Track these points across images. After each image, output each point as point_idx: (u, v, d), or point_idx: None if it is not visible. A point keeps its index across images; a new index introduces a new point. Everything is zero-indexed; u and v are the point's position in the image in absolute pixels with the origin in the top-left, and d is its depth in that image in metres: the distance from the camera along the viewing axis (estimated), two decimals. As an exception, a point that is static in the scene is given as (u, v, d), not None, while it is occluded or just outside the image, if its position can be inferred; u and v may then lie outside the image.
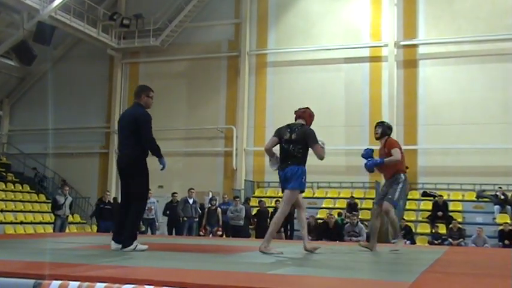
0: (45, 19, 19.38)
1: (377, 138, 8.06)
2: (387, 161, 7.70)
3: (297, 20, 21.50)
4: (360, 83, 20.41)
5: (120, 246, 6.54)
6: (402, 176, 7.74)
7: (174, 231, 16.54)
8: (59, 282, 3.66)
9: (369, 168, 7.97)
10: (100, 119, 23.90)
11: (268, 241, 6.58)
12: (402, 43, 20.05)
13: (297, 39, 21.30)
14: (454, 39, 19.51)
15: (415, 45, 20.10)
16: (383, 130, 7.99)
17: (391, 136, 8.13)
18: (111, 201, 17.59)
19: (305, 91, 20.44)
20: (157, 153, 7.21)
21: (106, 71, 24.01)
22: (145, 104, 7.14)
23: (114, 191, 22.04)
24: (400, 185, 7.64)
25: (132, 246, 6.48)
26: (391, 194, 7.61)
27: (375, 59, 20.35)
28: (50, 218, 18.77)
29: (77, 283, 3.63)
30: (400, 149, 7.85)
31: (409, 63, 20.00)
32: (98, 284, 3.59)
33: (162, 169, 7.22)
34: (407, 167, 8.07)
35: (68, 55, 24.59)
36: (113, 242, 6.66)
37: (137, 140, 6.87)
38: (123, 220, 6.70)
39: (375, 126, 8.10)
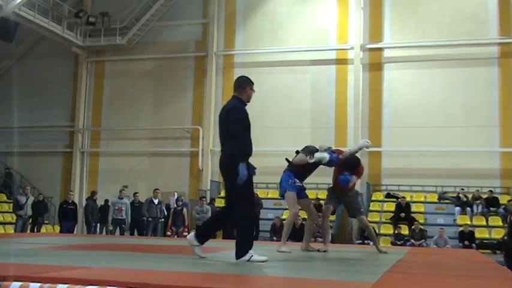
0: (8, 15, 18.98)
1: None
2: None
3: (264, 22, 21.57)
4: (326, 85, 20.59)
5: (197, 243, 5.80)
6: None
7: (136, 232, 16.41)
8: (20, 283, 3.60)
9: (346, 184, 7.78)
10: (64, 117, 23.51)
11: (284, 241, 7.51)
12: (368, 46, 20.31)
13: (265, 40, 21.37)
14: (418, 44, 19.88)
15: (380, 49, 20.39)
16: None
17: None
18: (75, 201, 17.38)
19: (272, 92, 20.53)
20: (237, 157, 5.65)
21: (71, 69, 23.65)
22: (247, 97, 5.97)
23: (77, 191, 21.77)
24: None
25: (246, 257, 5.52)
26: (361, 205, 8.08)
27: (341, 61, 20.56)
28: (11, 218, 18.40)
29: (38, 284, 3.57)
30: None
31: (375, 66, 20.27)
32: (60, 286, 3.54)
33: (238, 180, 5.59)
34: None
35: (32, 52, 24.12)
36: (191, 236, 5.92)
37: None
38: (214, 221, 6.20)
39: None
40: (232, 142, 5.65)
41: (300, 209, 7.96)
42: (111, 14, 22.58)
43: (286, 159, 7.81)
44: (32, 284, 3.58)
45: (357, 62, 20.04)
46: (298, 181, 7.52)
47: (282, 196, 7.66)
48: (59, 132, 23.48)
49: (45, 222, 21.00)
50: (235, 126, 5.70)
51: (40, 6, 20.32)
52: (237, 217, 5.69)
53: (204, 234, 5.92)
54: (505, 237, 13.40)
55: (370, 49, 20.34)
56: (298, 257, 6.98)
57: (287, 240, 7.71)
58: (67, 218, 16.45)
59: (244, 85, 5.97)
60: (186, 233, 16.89)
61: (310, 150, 7.51)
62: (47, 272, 4.04)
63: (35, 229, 16.41)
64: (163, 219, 16.66)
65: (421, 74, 19.87)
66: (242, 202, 5.65)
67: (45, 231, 19.49)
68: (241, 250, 5.56)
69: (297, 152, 7.67)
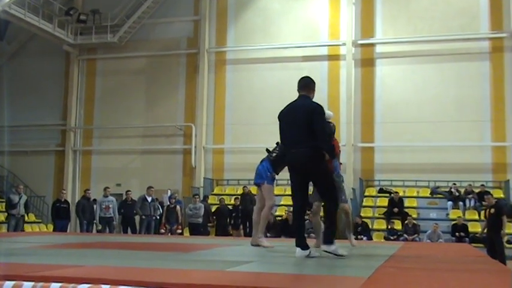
0: (-2, 13, 18.89)
1: None
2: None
3: (256, 18, 21.54)
4: (319, 81, 20.25)
5: (307, 252, 5.80)
6: None
7: (128, 230, 16.38)
8: (13, 282, 3.59)
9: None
10: (56, 116, 23.40)
11: (261, 234, 7.52)
12: (360, 42, 20.34)
13: (256, 37, 21.35)
14: (410, 39, 19.91)
15: (372, 44, 20.42)
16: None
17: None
18: (68, 200, 17.32)
19: (264, 89, 20.54)
20: (332, 153, 6.01)
21: (62, 67, 23.53)
22: (313, 96, 6.19)
23: (70, 190, 21.70)
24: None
25: (333, 247, 5.78)
26: (343, 194, 7.74)
27: (333, 57, 20.58)
28: (3, 217, 18.31)
29: (31, 283, 3.56)
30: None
31: (367, 62, 20.30)
32: (53, 284, 3.53)
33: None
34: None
35: (23, 50, 23.96)
36: (298, 249, 5.86)
37: (314, 135, 5.80)
38: (303, 223, 6.15)
39: None
40: (322, 138, 5.79)
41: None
42: (102, 11, 22.49)
43: (267, 149, 7.95)
44: (25, 283, 3.57)
45: (349, 57, 20.06)
46: (274, 174, 7.64)
47: (256, 184, 7.77)
48: (51, 130, 23.38)
49: (38, 220, 21.00)
50: (323, 124, 5.98)
51: (31, 5, 20.21)
52: (332, 208, 5.92)
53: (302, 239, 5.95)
54: (484, 233, 13.47)
55: (362, 45, 20.37)
56: (291, 252, 6.99)
57: (267, 236, 7.75)
58: (60, 216, 16.39)
59: (310, 85, 6.20)
60: (180, 231, 16.90)
61: None
62: (40, 271, 4.02)
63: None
64: (157, 217, 16.64)
65: (413, 70, 19.92)
66: (334, 192, 5.97)
67: (38, 230, 19.45)
68: (331, 238, 5.82)
69: (277, 144, 7.55)
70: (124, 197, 16.92)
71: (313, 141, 5.76)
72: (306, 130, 5.80)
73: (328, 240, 5.81)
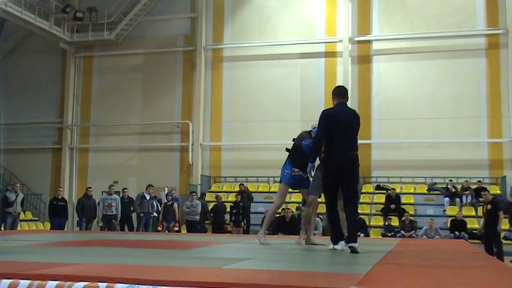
0: (-6, 11, 18.84)
1: None
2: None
3: (253, 15, 21.53)
4: (316, 78, 20.61)
5: (337, 245, 6.48)
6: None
7: (126, 228, 16.38)
8: (9, 281, 3.58)
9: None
10: (53, 114, 23.37)
11: (264, 230, 7.70)
12: (356, 39, 20.34)
13: (253, 34, 21.34)
14: (406, 36, 19.93)
15: (369, 41, 20.43)
16: None
17: None
18: (65, 197, 17.31)
19: (261, 86, 20.54)
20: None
21: (59, 65, 23.48)
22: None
23: (67, 188, 21.67)
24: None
25: (357, 244, 6.19)
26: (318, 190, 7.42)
27: (330, 54, 20.58)
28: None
29: (28, 281, 3.55)
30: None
31: (363, 59, 20.31)
32: (50, 282, 3.52)
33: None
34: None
35: (19, 48, 23.90)
36: (342, 243, 6.43)
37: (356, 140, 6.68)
38: (338, 220, 6.66)
39: None
40: (356, 144, 6.60)
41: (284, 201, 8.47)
42: (99, 9, 22.43)
43: (287, 149, 7.81)
44: (21, 281, 3.56)
45: (345, 54, 20.06)
46: (298, 170, 7.40)
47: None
48: (48, 128, 23.35)
49: (35, 218, 20.97)
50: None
51: (27, 2, 20.15)
52: (353, 208, 6.47)
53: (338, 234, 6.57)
54: (482, 230, 13.46)
55: (359, 42, 20.38)
56: (287, 249, 6.99)
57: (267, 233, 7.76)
58: (57, 214, 16.38)
59: (347, 94, 6.78)
60: (177, 228, 16.91)
61: (300, 137, 7.58)
62: (36, 269, 4.02)
63: None
64: (156, 215, 16.64)
65: (409, 66, 19.93)
66: (356, 194, 6.72)
67: (35, 228, 19.43)
68: (355, 236, 6.27)
69: (294, 141, 7.65)
70: (121, 194, 16.89)
71: (356, 146, 6.60)
72: (355, 136, 6.62)
73: (354, 238, 6.21)
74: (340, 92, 6.70)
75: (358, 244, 6.15)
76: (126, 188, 17.15)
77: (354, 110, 6.87)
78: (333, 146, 6.44)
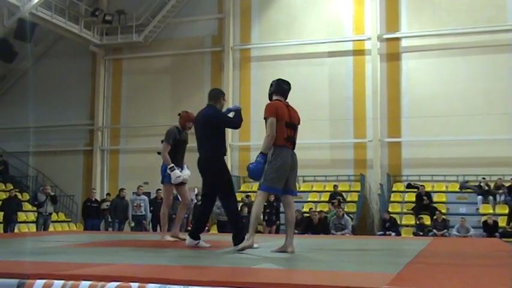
0: (26, 16, 19.18)
1: None
2: (264, 148, 5.98)
3: (279, 15, 21.50)
4: (344, 76, 20.48)
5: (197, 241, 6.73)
6: (274, 149, 5.97)
7: (158, 228, 16.49)
8: (43, 281, 3.64)
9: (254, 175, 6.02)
10: (83, 116, 23.71)
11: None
12: (385, 36, 20.14)
13: (280, 33, 21.31)
14: (436, 32, 19.64)
15: (397, 39, 20.20)
16: (269, 93, 6.28)
17: (277, 99, 6.12)
18: (98, 199, 17.58)
19: (289, 85, 20.47)
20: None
21: (89, 68, 23.81)
22: (221, 107, 6.82)
23: (98, 189, 21.93)
24: (271, 163, 5.94)
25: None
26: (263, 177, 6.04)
27: (358, 52, 20.42)
28: (34, 217, 18.62)
29: (61, 282, 3.61)
30: (277, 114, 5.91)
31: (392, 56, 20.11)
32: (83, 283, 3.57)
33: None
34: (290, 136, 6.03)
35: (50, 52, 24.32)
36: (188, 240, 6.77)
37: (216, 140, 6.65)
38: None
39: None
40: (215, 144, 6.59)
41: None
42: (127, 11, 22.68)
43: (158, 152, 8.37)
44: (55, 282, 3.62)
45: (374, 52, 19.89)
46: (173, 166, 7.97)
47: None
48: (79, 130, 23.68)
49: (68, 219, 21.27)
50: (221, 131, 6.68)
51: (57, 6, 20.48)
52: (230, 208, 6.69)
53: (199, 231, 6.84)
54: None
55: (387, 39, 20.17)
56: (319, 249, 6.97)
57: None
58: (91, 215, 16.68)
59: (218, 95, 6.77)
60: (207, 228, 16.96)
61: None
62: (69, 270, 4.08)
63: (8, 229, 16.41)
64: (188, 215, 16.72)
65: (439, 63, 19.65)
66: (228, 196, 6.60)
67: (68, 229, 19.72)
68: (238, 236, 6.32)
69: (162, 142, 8.29)
70: (154, 195, 17.04)
71: (213, 145, 6.72)
72: (204, 137, 6.73)
73: (237, 240, 6.30)
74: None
75: (241, 246, 6.00)
76: (160, 189, 17.29)
77: (208, 110, 6.68)
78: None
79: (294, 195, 6.15)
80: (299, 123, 6.20)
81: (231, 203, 6.63)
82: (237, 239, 6.29)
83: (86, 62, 23.78)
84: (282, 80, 6.34)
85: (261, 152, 5.96)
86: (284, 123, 5.90)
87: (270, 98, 6.17)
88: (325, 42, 20.68)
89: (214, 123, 6.51)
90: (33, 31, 20.40)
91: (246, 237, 6.09)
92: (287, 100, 6.17)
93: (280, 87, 6.19)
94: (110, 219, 17.23)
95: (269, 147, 5.91)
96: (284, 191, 6.04)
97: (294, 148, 6.11)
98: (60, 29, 21.21)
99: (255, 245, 6.13)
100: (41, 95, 22.93)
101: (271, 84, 6.26)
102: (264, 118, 5.94)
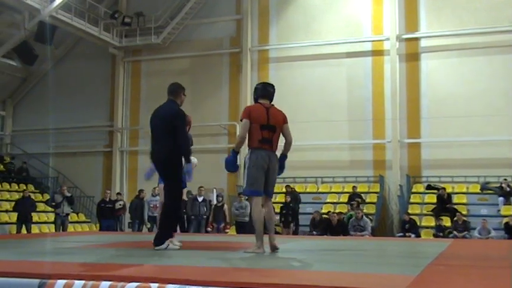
0: (46, 19, 19.40)
1: None
2: (236, 146, 6.34)
3: (297, 15, 21.46)
4: (362, 77, 20.37)
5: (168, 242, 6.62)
6: (249, 152, 6.23)
7: (177, 229, 16.58)
8: (64, 281, 3.67)
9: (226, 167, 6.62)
10: (103, 117, 23.91)
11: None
12: (404, 36, 19.99)
13: (298, 34, 21.26)
14: (456, 32, 19.42)
15: (416, 39, 20.04)
16: (255, 97, 6.52)
17: (261, 102, 6.37)
18: (113, 199, 17.76)
19: (307, 86, 20.44)
20: (188, 155, 6.77)
21: (108, 70, 24.01)
22: (181, 102, 7.00)
23: (118, 190, 22.06)
24: (247, 165, 6.21)
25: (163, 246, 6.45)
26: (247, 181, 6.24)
27: (377, 52, 20.29)
28: (53, 217, 18.83)
29: (82, 282, 3.64)
30: (251, 116, 6.16)
31: (411, 56, 19.95)
32: (103, 283, 3.60)
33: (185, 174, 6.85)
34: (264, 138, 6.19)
35: (70, 54, 24.59)
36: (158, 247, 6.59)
37: (172, 138, 6.59)
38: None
39: None
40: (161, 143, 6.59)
41: None
42: (146, 13, 22.82)
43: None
44: (76, 282, 3.65)
45: (393, 52, 19.75)
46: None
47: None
48: (99, 132, 23.88)
49: (87, 220, 21.45)
50: (183, 128, 6.71)
51: (77, 9, 20.69)
52: (163, 212, 6.87)
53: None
54: None
55: (406, 39, 20.02)
56: (338, 250, 6.94)
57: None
58: (105, 216, 16.86)
59: (179, 90, 6.93)
60: (228, 230, 17.02)
61: None
62: (90, 270, 4.11)
63: (22, 229, 16.52)
64: (205, 216, 16.79)
65: (459, 63, 19.45)
66: (170, 199, 6.62)
67: (87, 229, 19.89)
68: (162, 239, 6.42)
69: None
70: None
71: (169, 143, 6.76)
72: (164, 133, 6.96)
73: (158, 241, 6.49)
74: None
75: (165, 246, 6.36)
76: None
77: (174, 106, 6.92)
78: None
79: (270, 197, 6.36)
80: (285, 123, 6.39)
81: (173, 199, 6.70)
82: (157, 239, 6.49)
83: (105, 64, 23.98)
84: (267, 83, 6.71)
85: (232, 149, 6.40)
86: (259, 126, 6.15)
87: (256, 102, 6.43)
88: (343, 43, 20.58)
89: (172, 121, 6.67)
90: (53, 34, 20.63)
91: (256, 244, 6.11)
92: (272, 102, 6.45)
93: (266, 91, 6.46)
94: (123, 220, 17.46)
95: (239, 146, 6.29)
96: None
97: (272, 149, 6.25)
98: (80, 32, 21.41)
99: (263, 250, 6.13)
100: (61, 97, 23.16)
101: (256, 88, 6.51)
102: (240, 120, 6.26)
